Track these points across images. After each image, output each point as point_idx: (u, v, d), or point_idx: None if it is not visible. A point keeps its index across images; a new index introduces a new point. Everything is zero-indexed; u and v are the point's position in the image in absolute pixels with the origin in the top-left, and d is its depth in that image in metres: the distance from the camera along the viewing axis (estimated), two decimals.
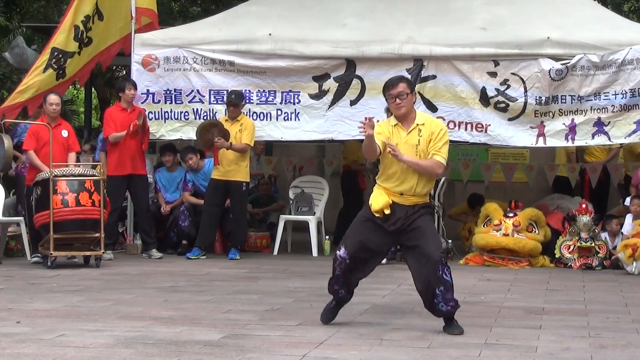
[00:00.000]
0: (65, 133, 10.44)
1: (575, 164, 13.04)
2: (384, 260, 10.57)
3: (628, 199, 11.22)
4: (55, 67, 11.38)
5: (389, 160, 6.40)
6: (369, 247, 6.39)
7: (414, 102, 6.50)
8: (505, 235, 10.72)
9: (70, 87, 23.15)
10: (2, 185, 11.01)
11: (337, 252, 6.42)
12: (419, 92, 11.10)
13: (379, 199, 6.36)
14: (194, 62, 11.48)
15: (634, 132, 10.70)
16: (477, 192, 12.67)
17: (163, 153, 12.09)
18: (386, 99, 6.57)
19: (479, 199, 12.21)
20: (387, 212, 6.30)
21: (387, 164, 6.44)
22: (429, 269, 6.24)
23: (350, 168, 13.25)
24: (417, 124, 6.40)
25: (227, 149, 10.80)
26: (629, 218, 10.84)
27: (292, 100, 11.36)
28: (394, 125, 6.43)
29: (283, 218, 11.84)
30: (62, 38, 11.41)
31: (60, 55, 11.40)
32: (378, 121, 6.49)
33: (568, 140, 10.96)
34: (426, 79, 11.13)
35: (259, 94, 11.44)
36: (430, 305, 6.38)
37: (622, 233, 10.88)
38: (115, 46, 12.05)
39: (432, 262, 6.22)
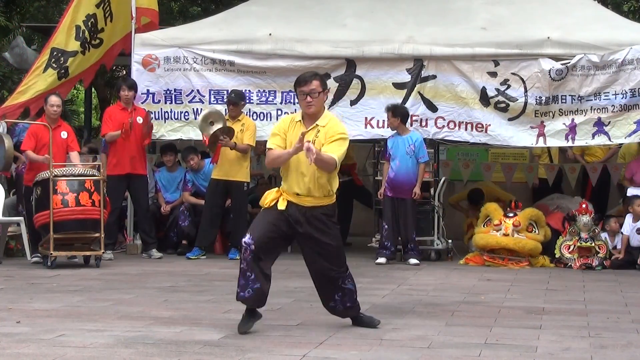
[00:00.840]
0: (64, 134, 10.44)
1: (555, 164, 13.07)
2: (384, 260, 10.61)
3: (630, 190, 11.22)
4: (56, 66, 11.38)
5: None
6: (273, 236, 6.17)
7: (325, 101, 6.31)
8: (505, 235, 10.72)
9: None
10: (2, 185, 11.01)
11: (243, 239, 6.20)
12: (419, 92, 11.12)
13: (269, 194, 6.26)
14: (194, 62, 11.48)
15: (634, 132, 10.72)
16: (477, 187, 12.63)
17: (164, 153, 12.09)
18: (296, 94, 6.34)
19: (479, 193, 12.22)
20: (280, 207, 6.15)
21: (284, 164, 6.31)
22: (329, 283, 6.33)
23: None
24: (317, 125, 6.19)
25: (231, 149, 10.79)
26: (628, 218, 10.82)
27: (292, 100, 11.35)
28: (298, 120, 6.26)
29: None
30: (61, 38, 11.43)
31: (60, 55, 11.42)
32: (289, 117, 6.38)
33: (568, 140, 10.98)
34: (426, 79, 11.13)
35: (259, 94, 11.44)
36: (326, 306, 6.47)
37: (621, 233, 10.87)
38: (117, 46, 12.05)
39: (333, 280, 6.31)
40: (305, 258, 6.36)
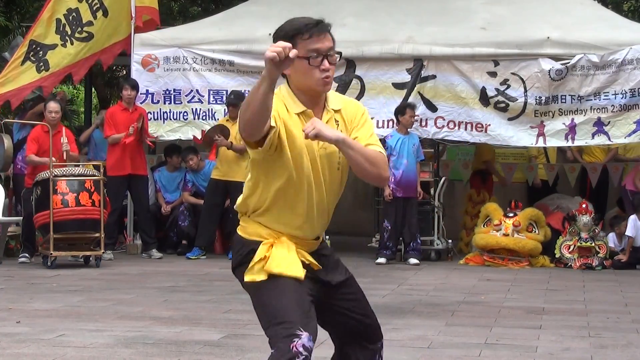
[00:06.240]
0: (64, 139, 10.44)
1: (553, 164, 13.10)
2: (384, 260, 10.62)
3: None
4: (34, 59, 11.43)
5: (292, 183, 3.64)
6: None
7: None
8: (505, 235, 10.71)
9: (70, 86, 23.13)
10: (1, 185, 11.01)
11: (294, 341, 3.28)
12: (418, 92, 11.11)
13: (290, 262, 3.50)
14: (194, 62, 11.47)
15: (634, 132, 10.72)
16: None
17: (169, 155, 12.08)
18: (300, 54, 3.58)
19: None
20: (298, 274, 3.47)
21: (284, 188, 3.64)
22: (366, 355, 3.70)
23: None
24: (332, 110, 3.72)
25: (227, 148, 10.80)
26: (633, 221, 10.73)
27: None
28: (299, 113, 3.60)
29: None
30: (40, 30, 11.48)
31: (38, 48, 11.44)
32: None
33: (568, 140, 10.99)
34: (426, 78, 11.12)
35: None
36: None
37: (626, 235, 10.78)
38: (118, 46, 11.96)
39: (374, 349, 3.70)
40: (333, 321, 3.67)
